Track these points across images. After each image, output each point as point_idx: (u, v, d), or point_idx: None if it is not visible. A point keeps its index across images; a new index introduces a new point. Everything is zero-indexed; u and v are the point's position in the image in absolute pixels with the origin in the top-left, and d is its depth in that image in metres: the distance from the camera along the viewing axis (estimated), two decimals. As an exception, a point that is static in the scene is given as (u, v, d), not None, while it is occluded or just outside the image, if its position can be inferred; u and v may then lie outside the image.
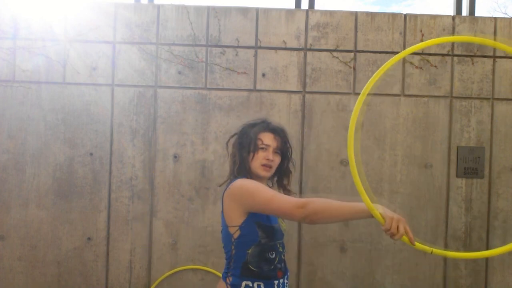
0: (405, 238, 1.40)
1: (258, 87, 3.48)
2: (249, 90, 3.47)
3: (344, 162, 3.46)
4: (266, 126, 1.76)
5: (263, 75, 3.48)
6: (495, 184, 3.51)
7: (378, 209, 1.41)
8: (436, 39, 1.66)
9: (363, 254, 3.48)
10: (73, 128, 3.44)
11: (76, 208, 3.42)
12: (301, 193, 3.44)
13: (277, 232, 1.70)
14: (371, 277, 3.48)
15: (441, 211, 3.49)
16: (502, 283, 3.52)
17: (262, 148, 1.71)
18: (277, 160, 1.75)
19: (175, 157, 3.44)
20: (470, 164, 3.49)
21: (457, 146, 3.50)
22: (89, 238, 3.42)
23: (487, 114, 3.53)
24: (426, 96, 3.52)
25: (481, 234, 3.50)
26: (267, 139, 1.73)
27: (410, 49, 1.53)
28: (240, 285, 1.65)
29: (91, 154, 3.42)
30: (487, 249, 3.51)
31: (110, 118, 3.44)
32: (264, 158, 1.70)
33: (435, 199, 3.49)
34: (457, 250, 3.49)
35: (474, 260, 3.50)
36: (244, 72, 3.47)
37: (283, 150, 1.78)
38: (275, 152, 1.74)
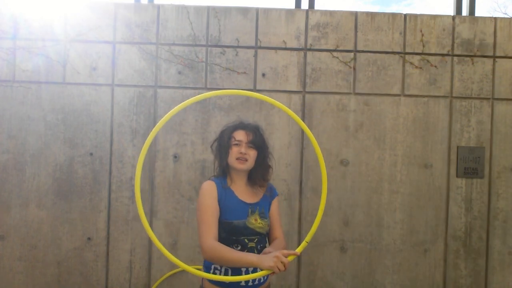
0: (290, 257, 1.67)
1: (258, 87, 3.48)
2: (249, 90, 3.47)
3: (344, 162, 3.46)
4: (239, 125, 1.96)
5: (263, 75, 3.48)
6: (495, 184, 3.51)
7: (263, 264, 1.65)
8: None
9: (363, 254, 3.48)
10: (73, 128, 3.44)
11: (76, 208, 3.42)
12: (301, 193, 3.45)
13: (239, 229, 1.84)
14: (371, 277, 3.48)
15: (441, 211, 3.49)
16: (502, 283, 3.52)
17: (236, 144, 1.90)
18: (252, 153, 1.92)
19: (175, 157, 3.44)
20: (470, 164, 3.49)
21: (457, 146, 3.50)
22: (89, 238, 3.42)
23: (487, 114, 3.53)
24: (426, 96, 3.52)
25: (481, 234, 3.50)
26: (239, 135, 1.91)
27: (209, 94, 1.79)
28: (210, 268, 1.87)
29: (91, 154, 3.43)
30: (487, 249, 3.51)
31: (110, 118, 3.45)
32: (238, 152, 1.89)
33: (435, 199, 3.49)
34: (457, 250, 3.49)
35: (474, 260, 3.50)
36: (244, 72, 3.47)
37: (258, 144, 1.94)
38: (248, 146, 1.91)
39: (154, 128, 1.72)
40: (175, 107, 1.73)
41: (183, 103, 1.74)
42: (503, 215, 3.51)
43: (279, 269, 1.63)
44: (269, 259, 1.65)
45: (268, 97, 1.83)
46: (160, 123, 1.71)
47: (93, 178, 3.42)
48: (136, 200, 1.72)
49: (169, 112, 1.72)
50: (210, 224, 1.79)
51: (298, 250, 1.73)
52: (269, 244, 1.97)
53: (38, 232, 3.42)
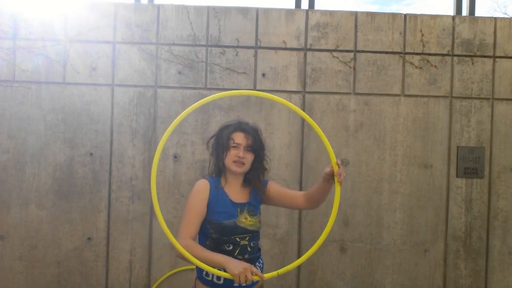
0: (256, 277, 1.66)
1: (258, 87, 3.48)
2: (249, 90, 3.47)
3: (344, 162, 3.46)
4: (238, 126, 1.95)
5: (263, 75, 3.48)
6: (495, 184, 3.51)
7: (229, 266, 1.66)
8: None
9: (363, 254, 3.48)
10: (73, 128, 3.44)
11: (76, 208, 3.42)
12: (301, 193, 3.44)
13: (229, 229, 1.85)
14: (371, 277, 3.48)
15: (441, 211, 3.49)
16: (502, 283, 3.52)
17: (234, 147, 1.91)
18: (249, 157, 1.93)
19: (175, 157, 3.44)
20: (470, 164, 3.49)
21: (457, 146, 3.50)
22: (89, 238, 3.42)
23: (487, 114, 3.53)
24: (426, 96, 3.52)
25: (481, 234, 3.50)
26: (238, 138, 1.91)
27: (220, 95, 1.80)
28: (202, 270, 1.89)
29: (91, 154, 3.43)
30: (487, 249, 3.51)
31: (110, 118, 3.45)
32: (236, 155, 1.90)
33: (435, 199, 3.49)
34: (457, 250, 3.49)
35: (474, 260, 3.50)
36: (244, 72, 3.47)
37: (255, 148, 1.95)
38: (246, 150, 1.92)
39: (165, 132, 1.76)
40: (187, 109, 1.75)
41: (194, 104, 1.75)
42: (503, 215, 3.51)
43: (239, 280, 1.63)
44: (237, 266, 1.65)
45: (279, 98, 1.84)
46: (172, 126, 1.74)
47: (93, 178, 3.42)
48: (153, 201, 1.83)
49: (181, 114, 1.75)
50: (191, 224, 1.84)
51: (267, 276, 1.71)
52: (309, 194, 2.02)
53: (38, 232, 3.41)
